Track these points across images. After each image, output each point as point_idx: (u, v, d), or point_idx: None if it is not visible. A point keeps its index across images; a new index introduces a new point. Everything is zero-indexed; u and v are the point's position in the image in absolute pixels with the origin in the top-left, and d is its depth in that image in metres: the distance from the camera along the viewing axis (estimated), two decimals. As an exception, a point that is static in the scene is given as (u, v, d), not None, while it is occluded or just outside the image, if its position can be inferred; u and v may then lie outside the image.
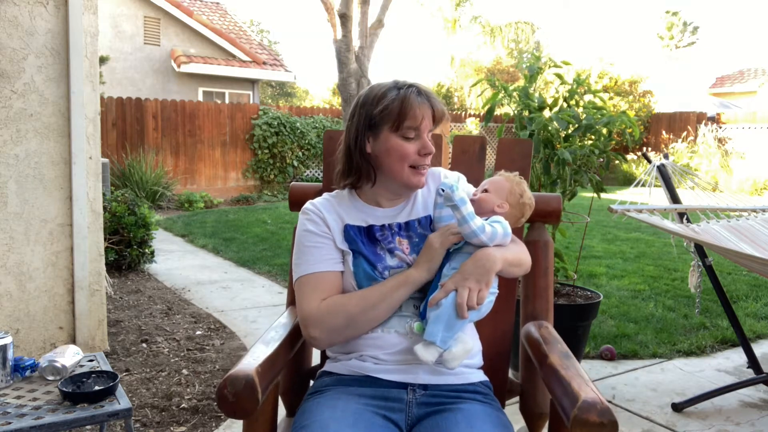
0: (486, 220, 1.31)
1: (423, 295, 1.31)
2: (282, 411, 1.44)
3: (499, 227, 1.29)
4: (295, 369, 1.56)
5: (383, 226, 1.38)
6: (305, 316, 1.30)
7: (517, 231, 1.50)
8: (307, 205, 1.43)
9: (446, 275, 1.28)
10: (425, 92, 1.35)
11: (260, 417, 1.24)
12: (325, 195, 1.46)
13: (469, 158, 1.68)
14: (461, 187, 1.36)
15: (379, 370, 1.28)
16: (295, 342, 1.43)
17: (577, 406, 1.05)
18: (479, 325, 1.46)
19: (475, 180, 1.55)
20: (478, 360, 1.39)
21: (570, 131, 3.05)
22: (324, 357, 1.51)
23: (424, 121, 1.33)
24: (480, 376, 1.36)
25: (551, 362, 1.25)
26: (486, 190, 1.39)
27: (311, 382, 1.51)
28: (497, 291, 1.32)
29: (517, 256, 1.34)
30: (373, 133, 1.35)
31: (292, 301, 1.60)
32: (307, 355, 1.63)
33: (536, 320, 1.52)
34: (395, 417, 1.24)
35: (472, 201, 1.33)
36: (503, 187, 1.39)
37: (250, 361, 1.18)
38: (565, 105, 3.16)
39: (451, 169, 1.64)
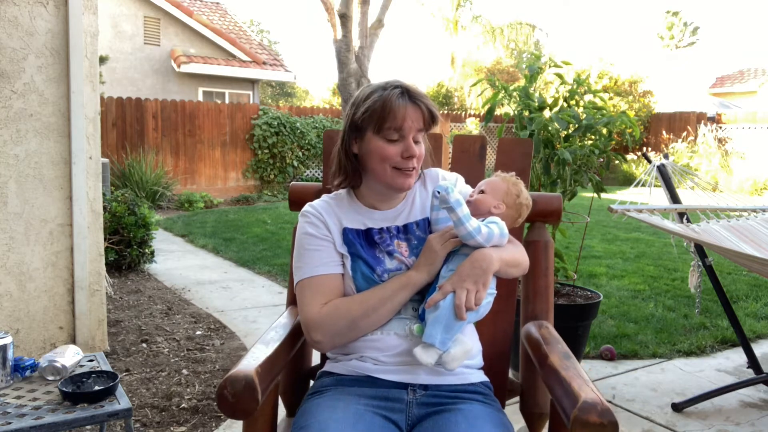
0: (482, 221, 1.29)
1: (422, 297, 1.30)
2: (282, 411, 1.44)
3: (495, 228, 1.28)
4: (295, 369, 1.56)
5: (381, 229, 1.37)
6: (308, 320, 1.30)
7: (516, 231, 1.50)
8: (307, 207, 1.42)
9: (444, 277, 1.28)
10: (412, 93, 1.32)
11: (260, 418, 1.24)
12: (325, 197, 1.45)
13: (469, 157, 1.67)
14: (458, 188, 1.35)
15: (379, 371, 1.28)
16: (295, 342, 1.42)
17: (577, 406, 1.05)
18: (480, 326, 1.46)
19: (475, 179, 1.54)
20: (478, 360, 1.39)
21: (570, 131, 3.05)
22: (324, 357, 1.50)
23: (407, 121, 1.29)
24: (480, 377, 1.36)
25: (551, 362, 1.24)
26: (482, 191, 1.38)
27: (311, 382, 1.50)
28: (495, 292, 1.32)
29: (514, 256, 1.34)
30: (358, 135, 1.35)
31: (292, 301, 1.60)
32: (307, 354, 1.63)
33: (536, 320, 1.52)
34: (395, 417, 1.23)
35: (469, 203, 1.32)
36: (500, 188, 1.38)
37: (250, 362, 1.18)
38: (565, 105, 3.16)
39: (452, 168, 1.63)
